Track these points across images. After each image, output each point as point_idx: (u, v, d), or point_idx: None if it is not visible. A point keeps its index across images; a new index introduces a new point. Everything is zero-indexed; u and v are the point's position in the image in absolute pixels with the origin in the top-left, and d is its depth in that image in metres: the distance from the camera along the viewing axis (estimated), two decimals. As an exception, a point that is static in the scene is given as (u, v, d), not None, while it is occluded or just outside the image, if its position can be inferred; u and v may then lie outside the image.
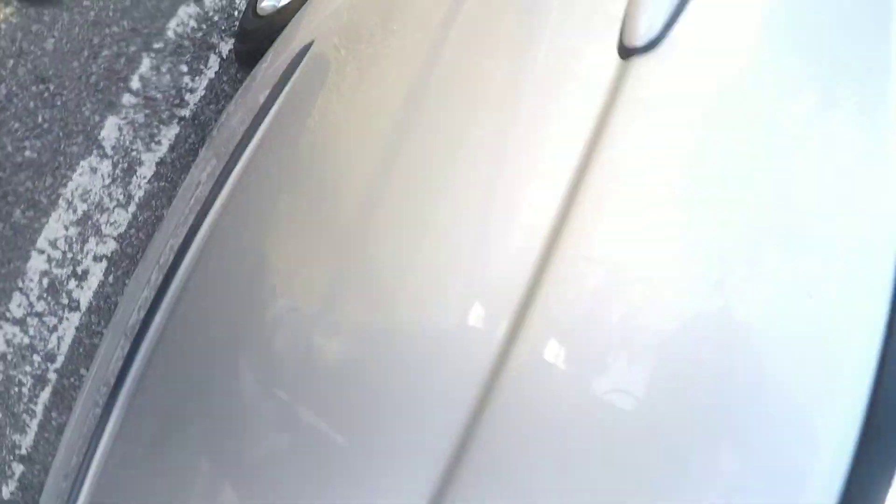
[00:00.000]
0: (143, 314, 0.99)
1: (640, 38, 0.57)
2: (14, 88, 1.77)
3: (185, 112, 1.95)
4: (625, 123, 0.56)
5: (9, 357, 1.70)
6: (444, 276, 0.64)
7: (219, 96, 2.00)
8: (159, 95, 1.92)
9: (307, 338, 0.75)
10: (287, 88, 0.93)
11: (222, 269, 0.90)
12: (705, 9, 0.57)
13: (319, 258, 0.76)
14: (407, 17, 0.83)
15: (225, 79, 2.01)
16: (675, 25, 0.56)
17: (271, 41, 1.32)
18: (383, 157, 0.74)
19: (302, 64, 0.93)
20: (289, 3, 1.41)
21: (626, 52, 0.57)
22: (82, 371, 1.74)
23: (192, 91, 1.96)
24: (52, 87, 1.80)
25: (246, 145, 0.93)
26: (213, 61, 2.01)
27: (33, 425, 1.70)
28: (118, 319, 1.26)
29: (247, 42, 1.52)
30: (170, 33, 1.96)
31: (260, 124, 0.93)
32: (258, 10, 1.56)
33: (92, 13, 1.89)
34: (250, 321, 0.81)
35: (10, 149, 1.74)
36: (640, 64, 0.57)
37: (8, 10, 1.80)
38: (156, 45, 1.94)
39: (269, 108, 0.93)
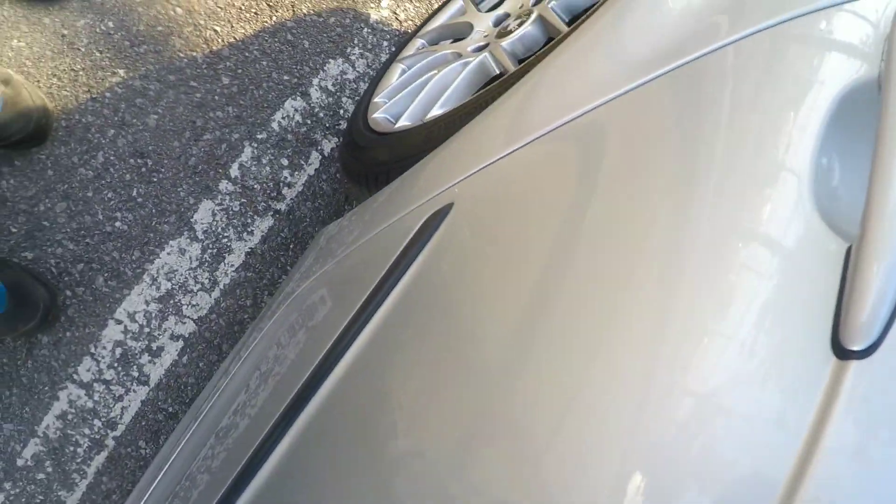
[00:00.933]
0: (260, 430, 1.00)
1: (858, 341, 0.59)
2: (112, 158, 1.78)
3: (281, 206, 1.97)
4: (844, 425, 0.58)
5: (69, 417, 1.71)
6: (598, 441, 0.65)
7: (316, 194, 2.02)
8: (257, 186, 1.94)
9: (432, 485, 0.75)
10: (426, 252, 0.94)
11: (356, 409, 0.91)
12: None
13: (457, 409, 0.77)
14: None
15: (324, 177, 2.03)
16: (891, 330, 0.59)
17: (387, 170, 1.31)
18: (532, 315, 0.76)
19: (441, 229, 0.95)
20: (411, 129, 1.35)
21: (843, 352, 0.59)
22: (140, 443, 1.75)
23: (290, 185, 1.99)
24: (149, 163, 1.82)
25: (381, 299, 0.94)
26: (315, 158, 2.03)
27: (82, 485, 1.72)
28: (206, 413, 1.27)
29: (357, 158, 1.45)
30: (274, 125, 1.99)
31: (396, 282, 0.94)
32: (370, 122, 1.52)
33: (198, 95, 1.91)
34: (376, 460, 0.82)
35: (101, 217, 1.75)
36: (858, 367, 0.59)
37: (114, 80, 1.82)
38: (259, 136, 1.97)
39: (405, 267, 0.95)
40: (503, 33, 1.41)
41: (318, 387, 0.94)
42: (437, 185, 1.03)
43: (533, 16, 1.36)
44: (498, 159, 0.95)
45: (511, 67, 1.28)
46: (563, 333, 0.72)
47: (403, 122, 1.40)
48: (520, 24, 1.38)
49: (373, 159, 1.38)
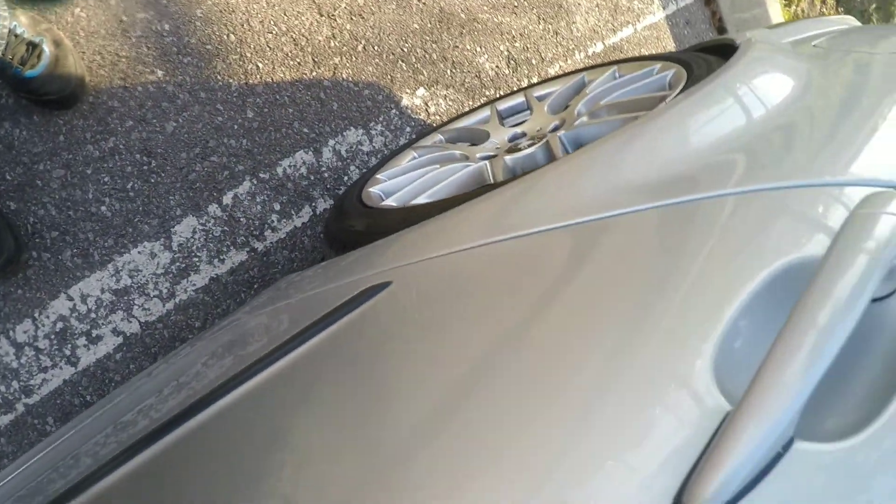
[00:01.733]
0: (149, 425, 1.02)
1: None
2: (121, 147, 1.84)
3: (260, 246, 2.02)
4: None
5: (-10, 370, 1.71)
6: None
7: (296, 246, 2.07)
8: (244, 220, 2.00)
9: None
10: (350, 317, 0.97)
11: (242, 434, 0.90)
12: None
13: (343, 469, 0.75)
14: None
15: (309, 233, 2.09)
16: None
17: (356, 241, 1.34)
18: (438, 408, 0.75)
19: (371, 302, 0.97)
20: (391, 209, 1.39)
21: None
22: (49, 419, 1.75)
23: (274, 230, 2.04)
24: (153, 164, 1.88)
25: (289, 350, 0.97)
26: (306, 213, 2.09)
27: (-24, 438, 1.71)
28: (114, 405, 1.28)
29: (338, 223, 1.50)
30: (279, 170, 2.06)
31: (310, 338, 0.97)
32: (363, 193, 1.57)
33: (219, 118, 1.99)
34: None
35: (90, 196, 1.80)
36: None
37: (151, 78, 1.90)
38: (261, 175, 2.03)
39: (324, 327, 0.97)
40: (513, 150, 1.48)
41: (211, 403, 0.95)
42: (384, 262, 1.07)
43: (542, 141, 1.44)
44: (448, 254, 0.99)
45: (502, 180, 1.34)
46: (466, 429, 0.71)
47: (389, 202, 1.45)
48: (530, 146, 1.46)
49: (350, 227, 1.42)
